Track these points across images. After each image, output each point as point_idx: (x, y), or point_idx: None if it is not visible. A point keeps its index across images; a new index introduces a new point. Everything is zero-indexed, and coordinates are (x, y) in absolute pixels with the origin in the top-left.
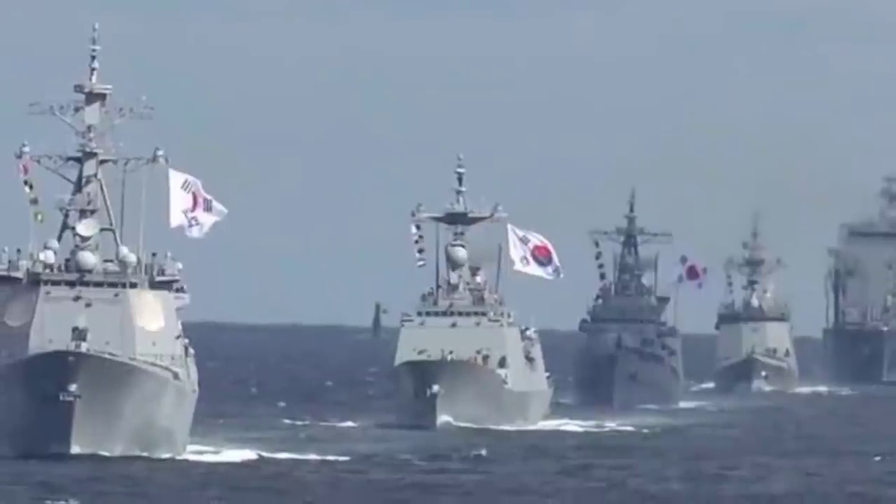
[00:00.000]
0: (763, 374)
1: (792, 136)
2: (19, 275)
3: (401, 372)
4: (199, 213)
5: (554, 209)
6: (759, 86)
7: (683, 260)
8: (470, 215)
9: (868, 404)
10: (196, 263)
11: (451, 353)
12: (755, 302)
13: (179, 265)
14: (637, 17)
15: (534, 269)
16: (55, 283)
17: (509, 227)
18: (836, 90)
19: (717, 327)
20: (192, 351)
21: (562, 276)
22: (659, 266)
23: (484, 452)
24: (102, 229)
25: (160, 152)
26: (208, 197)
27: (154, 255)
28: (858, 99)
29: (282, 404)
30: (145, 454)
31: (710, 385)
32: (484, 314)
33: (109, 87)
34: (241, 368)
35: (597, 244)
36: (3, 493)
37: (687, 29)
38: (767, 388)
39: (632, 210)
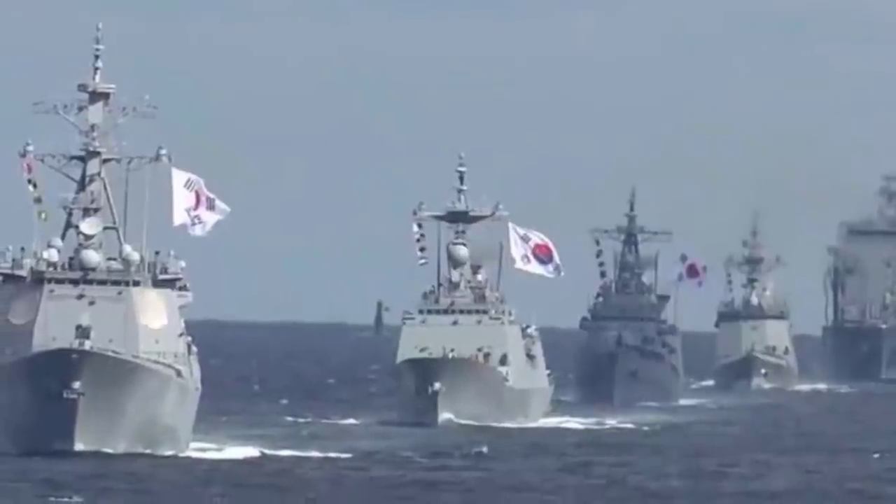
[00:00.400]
0: (762, 371)
1: (791, 135)
2: (23, 273)
3: (402, 369)
4: (202, 212)
5: (555, 208)
6: (759, 86)
7: (683, 258)
8: (471, 214)
9: (867, 401)
10: (199, 262)
11: (452, 350)
12: (755, 300)
13: (182, 263)
14: (637, 18)
15: (535, 268)
16: (59, 281)
17: (510, 225)
18: (836, 90)
19: (716, 325)
20: (194, 348)
21: (562, 274)
22: (659, 264)
23: (485, 449)
24: (106, 228)
25: (163, 151)
26: (211, 195)
27: (157, 253)
28: (857, 98)
29: (284, 402)
30: (148, 451)
31: (710, 383)
32: (485, 312)
33: (113, 86)
34: (243, 366)
35: (597, 242)
36: (7, 489)
37: (687, 29)
38: (767, 386)
39: (632, 209)
